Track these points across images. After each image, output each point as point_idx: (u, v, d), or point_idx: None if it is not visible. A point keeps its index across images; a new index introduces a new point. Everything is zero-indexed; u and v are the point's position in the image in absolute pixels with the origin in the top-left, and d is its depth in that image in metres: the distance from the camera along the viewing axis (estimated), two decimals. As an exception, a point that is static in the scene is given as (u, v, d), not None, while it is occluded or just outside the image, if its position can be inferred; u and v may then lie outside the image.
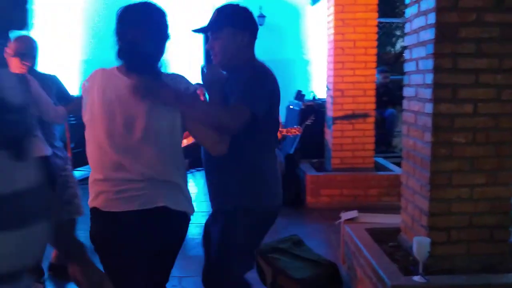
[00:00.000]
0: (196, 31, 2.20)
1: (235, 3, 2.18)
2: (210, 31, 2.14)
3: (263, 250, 3.23)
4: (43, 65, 3.43)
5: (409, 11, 2.85)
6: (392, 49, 20.95)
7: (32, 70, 3.24)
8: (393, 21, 18.99)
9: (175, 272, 3.71)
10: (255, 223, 2.19)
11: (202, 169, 5.44)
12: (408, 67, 2.90)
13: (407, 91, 2.93)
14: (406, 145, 2.96)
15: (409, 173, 2.92)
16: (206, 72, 2.04)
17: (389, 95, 6.99)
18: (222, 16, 2.12)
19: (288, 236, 3.49)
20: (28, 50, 3.20)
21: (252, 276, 3.35)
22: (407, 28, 2.90)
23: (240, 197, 2.15)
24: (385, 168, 5.68)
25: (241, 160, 2.10)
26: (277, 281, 3.07)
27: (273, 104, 2.12)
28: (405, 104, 2.95)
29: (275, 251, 3.24)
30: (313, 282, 3.01)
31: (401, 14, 20.88)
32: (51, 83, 3.33)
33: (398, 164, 6.12)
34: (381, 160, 5.97)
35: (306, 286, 2.97)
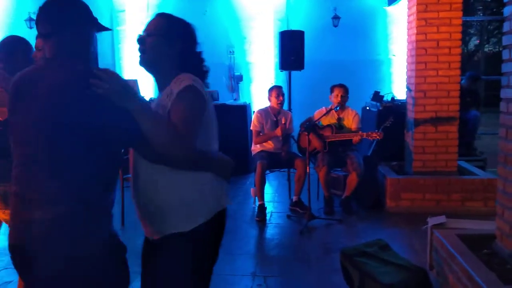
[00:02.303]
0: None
1: None
2: None
3: (349, 254, 3.22)
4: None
5: (509, 10, 2.74)
6: (465, 48, 20.20)
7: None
8: (480, 19, 18.36)
9: (259, 271, 3.79)
10: None
11: (275, 170, 5.54)
12: (507, 67, 2.79)
13: (505, 93, 2.81)
14: (504, 149, 2.84)
15: (507, 178, 2.81)
16: None
17: (472, 96, 6.73)
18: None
19: (373, 240, 3.45)
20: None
21: (338, 279, 3.36)
22: (506, 27, 2.78)
23: None
24: (468, 172, 5.48)
25: None
26: (364, 285, 3.05)
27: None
28: (503, 106, 2.84)
29: (362, 255, 3.22)
30: (402, 287, 2.96)
31: (476, 12, 20.17)
32: None
33: (481, 168, 5.94)
34: (464, 164, 5.77)
35: (395, 291, 2.92)
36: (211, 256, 1.99)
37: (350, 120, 5.38)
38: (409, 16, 5.51)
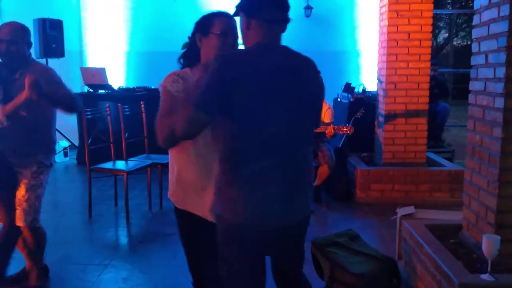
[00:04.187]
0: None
1: None
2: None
3: (320, 244, 3.23)
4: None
5: (478, 3, 2.77)
6: (434, 41, 20.54)
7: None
8: (449, 12, 18.65)
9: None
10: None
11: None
12: (476, 60, 2.82)
13: (474, 85, 2.85)
14: (471, 141, 2.88)
15: (474, 169, 2.85)
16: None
17: (440, 88, 6.83)
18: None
19: (344, 231, 3.47)
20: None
21: (309, 269, 3.37)
22: (476, 20, 2.81)
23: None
24: (437, 164, 5.57)
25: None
26: (334, 275, 3.06)
27: (234, 95, 1.74)
28: (472, 98, 2.87)
29: (332, 245, 3.23)
30: (371, 276, 2.98)
31: (445, 5, 20.50)
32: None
33: (448, 159, 6.05)
34: (432, 155, 5.87)
35: (365, 280, 2.95)
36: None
37: (323, 113, 5.39)
38: (380, 7, 5.54)
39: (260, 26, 1.84)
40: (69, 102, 2.92)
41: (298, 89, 1.86)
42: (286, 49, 1.89)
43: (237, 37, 2.09)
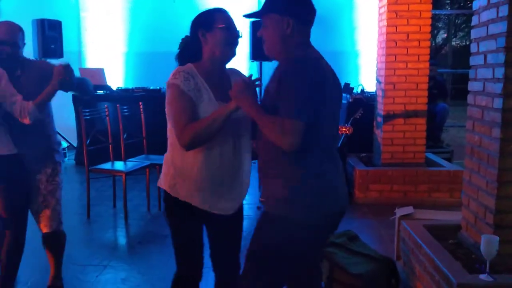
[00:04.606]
0: (246, 16, 2.04)
1: None
2: (259, 17, 2.00)
3: (318, 244, 3.23)
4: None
5: (477, 3, 2.77)
6: (433, 42, 20.56)
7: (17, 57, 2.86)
8: (448, 13, 18.67)
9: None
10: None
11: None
12: (475, 60, 2.82)
13: (473, 86, 2.85)
14: (470, 141, 2.88)
15: (473, 169, 2.85)
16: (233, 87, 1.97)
17: (438, 88, 6.83)
18: (268, 0, 1.95)
19: (343, 231, 3.46)
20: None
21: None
22: (475, 20, 2.81)
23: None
24: (435, 164, 5.57)
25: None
26: (333, 275, 3.06)
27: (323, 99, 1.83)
28: (470, 98, 2.87)
29: (331, 245, 3.23)
30: (370, 277, 2.98)
31: (444, 6, 20.54)
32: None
33: (447, 160, 6.06)
34: (431, 155, 5.87)
35: (363, 281, 2.95)
36: None
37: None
38: (379, 8, 5.54)
39: (303, 31, 1.93)
40: (86, 85, 3.02)
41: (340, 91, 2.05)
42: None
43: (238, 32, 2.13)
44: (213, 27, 2.08)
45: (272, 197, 1.94)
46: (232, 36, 2.10)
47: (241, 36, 2.13)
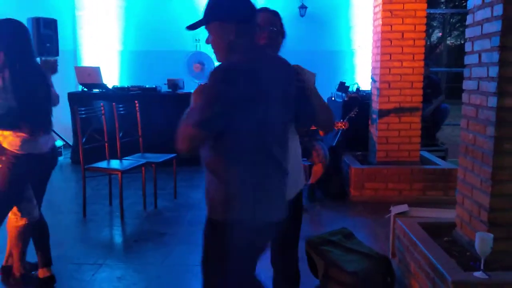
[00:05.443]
0: (189, 28, 1.92)
1: None
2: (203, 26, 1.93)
3: (314, 243, 3.24)
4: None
5: (472, 2, 2.79)
6: (428, 41, 20.61)
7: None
8: (443, 12, 18.74)
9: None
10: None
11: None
12: (469, 59, 2.84)
13: (467, 84, 2.87)
14: (465, 139, 2.90)
15: (467, 168, 2.87)
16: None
17: (432, 88, 6.86)
18: (207, 8, 1.89)
19: (338, 229, 3.48)
20: None
21: (303, 267, 3.38)
22: (469, 19, 2.83)
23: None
24: (430, 162, 5.60)
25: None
26: (329, 273, 3.08)
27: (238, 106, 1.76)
28: (465, 97, 2.89)
29: (326, 243, 3.25)
30: (365, 275, 3.00)
31: (439, 5, 20.59)
32: None
33: (442, 158, 6.09)
34: (426, 154, 5.90)
35: (359, 279, 2.97)
36: None
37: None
38: (374, 7, 5.56)
39: (249, 31, 1.86)
40: None
41: (286, 90, 1.92)
42: (265, 51, 1.97)
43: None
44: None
45: (211, 202, 1.91)
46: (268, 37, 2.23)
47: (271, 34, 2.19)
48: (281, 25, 2.24)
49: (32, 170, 2.96)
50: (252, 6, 1.89)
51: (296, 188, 2.28)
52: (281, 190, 1.96)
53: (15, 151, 2.87)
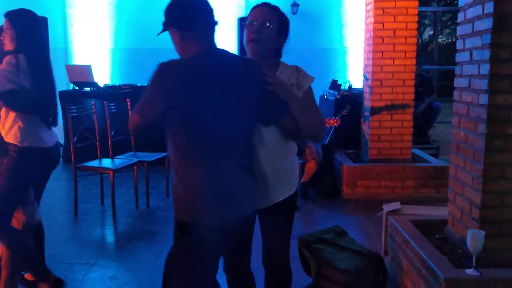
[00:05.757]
0: (158, 34, 2.03)
1: None
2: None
3: (307, 241, 3.24)
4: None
5: (463, 0, 2.79)
6: (420, 39, 20.68)
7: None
8: (434, 10, 18.79)
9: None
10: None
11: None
12: (461, 57, 2.85)
13: (458, 82, 2.88)
14: (456, 137, 2.91)
15: (459, 165, 2.88)
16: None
17: (424, 85, 6.88)
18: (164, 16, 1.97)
19: (330, 227, 3.48)
20: None
21: (296, 266, 3.38)
22: (461, 17, 2.84)
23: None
24: (422, 160, 5.62)
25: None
26: (321, 271, 3.08)
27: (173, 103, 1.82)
28: (456, 95, 2.90)
29: (319, 241, 3.24)
30: (358, 272, 3.00)
31: (430, 3, 20.67)
32: None
33: (434, 156, 6.11)
34: (418, 151, 5.91)
35: (352, 276, 2.97)
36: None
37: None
38: (366, 5, 5.56)
39: (194, 35, 1.89)
40: None
41: (237, 90, 1.90)
42: (224, 52, 1.97)
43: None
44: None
45: (173, 201, 1.94)
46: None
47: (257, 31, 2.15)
48: (280, 21, 2.15)
49: (35, 165, 2.91)
50: (198, 13, 1.90)
51: (283, 192, 2.21)
52: (241, 190, 1.94)
53: (18, 143, 2.83)
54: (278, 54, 2.22)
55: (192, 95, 1.81)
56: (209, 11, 1.92)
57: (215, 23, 1.94)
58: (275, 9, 2.17)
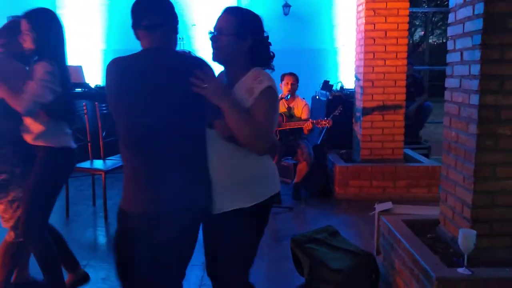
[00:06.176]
0: None
1: None
2: None
3: (299, 241, 3.25)
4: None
5: (454, 1, 2.81)
6: (411, 39, 20.79)
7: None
8: (425, 10, 18.93)
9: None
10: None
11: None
12: (451, 57, 2.87)
13: (449, 82, 2.89)
14: (447, 137, 2.93)
15: (450, 165, 2.90)
16: None
17: (416, 86, 6.92)
18: None
19: (323, 227, 3.50)
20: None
21: (288, 266, 3.39)
22: (451, 18, 2.85)
23: None
24: (414, 160, 5.65)
25: None
26: (314, 271, 3.09)
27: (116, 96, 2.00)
28: (447, 95, 2.92)
29: (311, 241, 3.26)
30: (350, 272, 3.02)
31: (421, 4, 20.78)
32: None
33: (425, 156, 6.14)
34: (409, 151, 5.94)
35: (344, 276, 2.98)
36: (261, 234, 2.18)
37: (300, 109, 5.42)
38: (358, 6, 5.58)
39: (143, 34, 1.99)
40: None
41: (176, 89, 1.92)
42: (171, 51, 2.03)
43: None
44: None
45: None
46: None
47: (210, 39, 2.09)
48: (239, 25, 2.00)
49: (67, 165, 2.88)
50: (144, 12, 1.99)
51: (234, 202, 2.05)
52: (169, 183, 1.94)
53: (50, 144, 2.76)
54: (253, 57, 2.06)
55: (121, 90, 1.95)
56: (159, 11, 1.98)
57: (168, 23, 2.00)
58: (236, 13, 2.05)
